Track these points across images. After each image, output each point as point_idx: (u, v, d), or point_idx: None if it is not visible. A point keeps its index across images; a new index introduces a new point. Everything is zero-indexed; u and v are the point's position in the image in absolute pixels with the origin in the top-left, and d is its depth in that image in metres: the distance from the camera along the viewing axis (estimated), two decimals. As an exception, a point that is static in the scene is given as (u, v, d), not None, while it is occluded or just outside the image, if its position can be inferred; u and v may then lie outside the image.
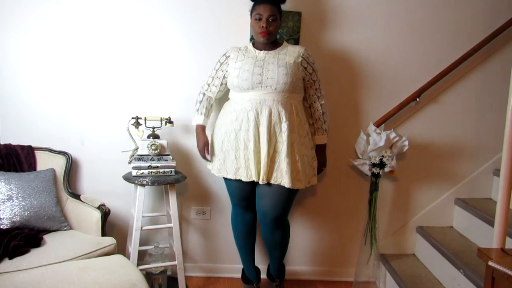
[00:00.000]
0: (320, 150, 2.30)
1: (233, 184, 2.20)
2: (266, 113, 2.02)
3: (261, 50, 2.14)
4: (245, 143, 2.06)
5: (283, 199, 2.11)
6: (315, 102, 2.21)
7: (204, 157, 2.31)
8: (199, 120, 2.30)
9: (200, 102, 2.30)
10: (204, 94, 2.28)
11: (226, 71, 2.17)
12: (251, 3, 2.14)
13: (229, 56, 2.18)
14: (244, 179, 2.10)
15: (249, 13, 2.15)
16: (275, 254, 2.33)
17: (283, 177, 2.05)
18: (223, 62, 2.19)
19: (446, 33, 2.46)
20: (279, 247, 2.29)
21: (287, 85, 2.03)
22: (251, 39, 2.36)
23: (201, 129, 2.31)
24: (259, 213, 2.18)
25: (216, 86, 2.23)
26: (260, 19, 2.05)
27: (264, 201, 2.13)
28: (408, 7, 2.43)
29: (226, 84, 2.21)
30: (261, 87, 2.03)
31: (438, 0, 2.43)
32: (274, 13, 2.05)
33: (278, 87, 2.02)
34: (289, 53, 2.11)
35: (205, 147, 2.28)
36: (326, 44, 2.46)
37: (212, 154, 2.25)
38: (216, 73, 2.22)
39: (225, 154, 2.13)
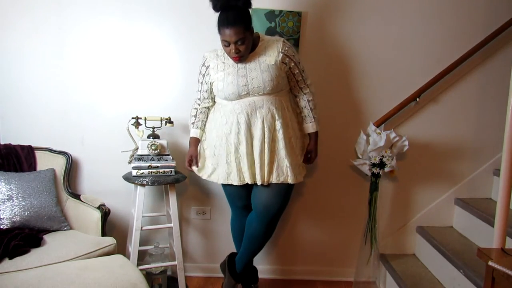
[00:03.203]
0: (312, 140, 2.23)
1: (228, 187, 2.18)
2: (258, 114, 2.00)
3: None
4: (235, 146, 2.04)
5: (284, 194, 2.10)
6: (299, 92, 2.17)
7: (188, 167, 2.21)
8: (195, 133, 2.23)
9: (195, 116, 2.22)
10: (197, 109, 2.22)
11: (210, 83, 2.10)
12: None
13: (208, 66, 2.08)
14: (236, 183, 2.07)
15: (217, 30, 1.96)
16: (254, 247, 2.19)
17: (286, 175, 2.05)
18: (204, 74, 2.11)
19: (446, 33, 2.46)
20: (262, 242, 2.19)
21: (274, 88, 2.00)
22: None
23: (194, 142, 2.22)
24: (259, 207, 2.11)
25: (207, 98, 2.17)
26: (228, 45, 1.93)
27: (264, 195, 2.08)
28: (408, 7, 2.43)
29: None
30: (249, 95, 2.01)
31: (438, 0, 2.43)
32: (241, 35, 1.89)
33: (266, 91, 2.00)
34: (268, 51, 2.02)
35: (192, 159, 2.20)
36: (326, 44, 2.46)
37: (204, 160, 2.19)
38: (201, 86, 2.15)
39: (218, 158, 2.10)
